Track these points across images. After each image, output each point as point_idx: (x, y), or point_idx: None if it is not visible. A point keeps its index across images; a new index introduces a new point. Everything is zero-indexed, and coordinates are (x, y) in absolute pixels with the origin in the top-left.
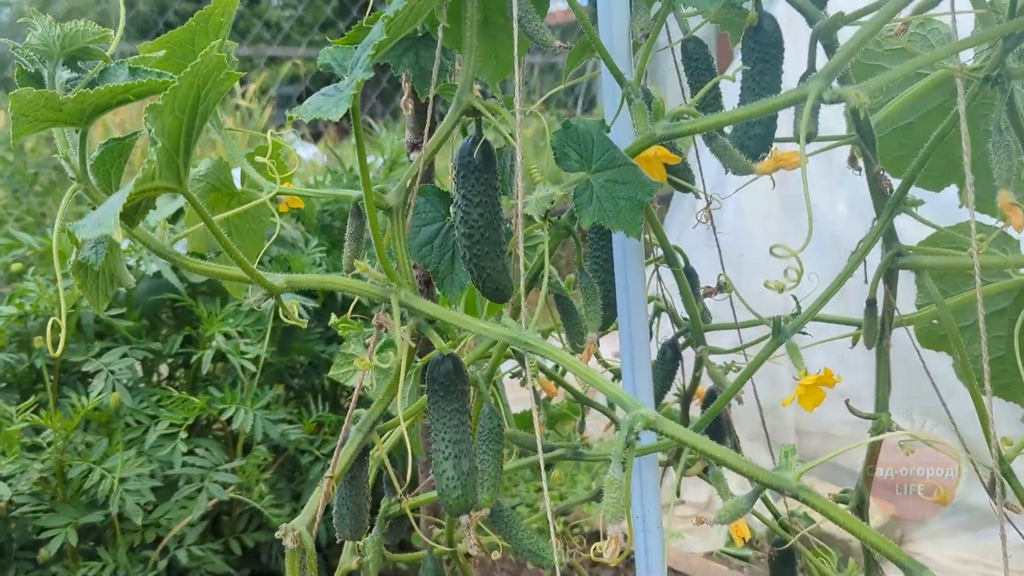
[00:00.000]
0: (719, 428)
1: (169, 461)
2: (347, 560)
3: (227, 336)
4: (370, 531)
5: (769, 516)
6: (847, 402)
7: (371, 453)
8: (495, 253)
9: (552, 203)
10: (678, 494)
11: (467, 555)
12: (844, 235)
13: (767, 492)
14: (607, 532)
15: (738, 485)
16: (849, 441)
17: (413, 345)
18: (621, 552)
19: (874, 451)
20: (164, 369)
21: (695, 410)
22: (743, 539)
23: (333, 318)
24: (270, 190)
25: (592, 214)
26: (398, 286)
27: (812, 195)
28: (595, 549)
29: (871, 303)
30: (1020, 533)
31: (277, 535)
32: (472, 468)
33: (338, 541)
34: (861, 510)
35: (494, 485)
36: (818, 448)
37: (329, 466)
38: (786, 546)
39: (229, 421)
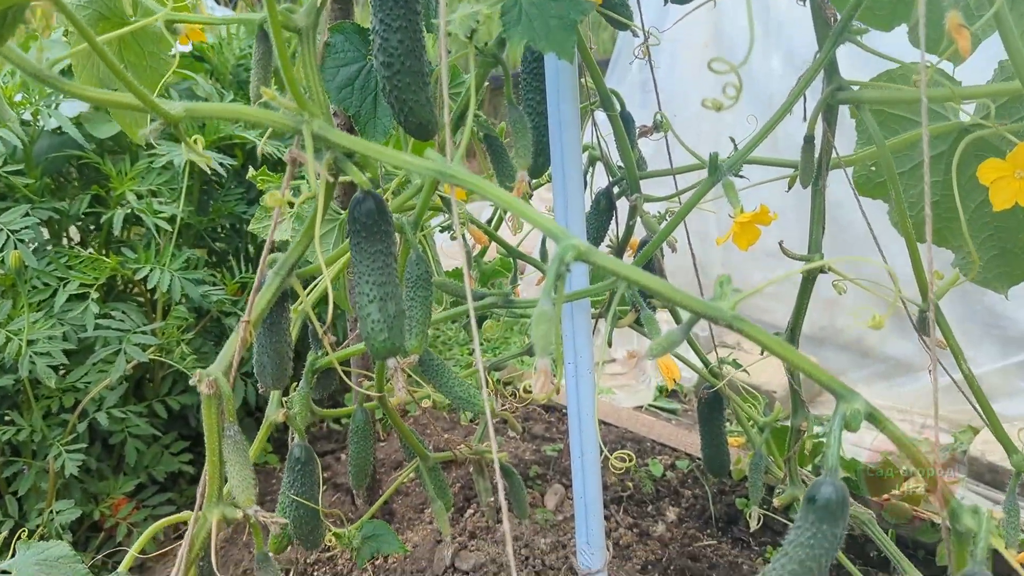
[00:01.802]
0: (651, 268)
1: (82, 324)
2: (272, 413)
3: (139, 196)
4: (296, 384)
5: (699, 365)
6: (780, 243)
7: (294, 307)
8: (418, 85)
9: (478, 22)
10: (609, 344)
11: (403, 412)
12: (778, 92)
13: (697, 344)
14: (536, 367)
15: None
16: (778, 300)
17: (331, 179)
18: (550, 388)
19: (805, 292)
20: (75, 235)
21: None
22: (673, 380)
23: (251, 171)
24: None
25: (520, 33)
26: (311, 116)
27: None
28: (524, 387)
29: (809, 139)
30: (949, 375)
31: (192, 382)
32: (399, 312)
33: (260, 392)
34: (793, 340)
35: (423, 332)
36: (746, 305)
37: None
38: (714, 390)
39: (146, 283)
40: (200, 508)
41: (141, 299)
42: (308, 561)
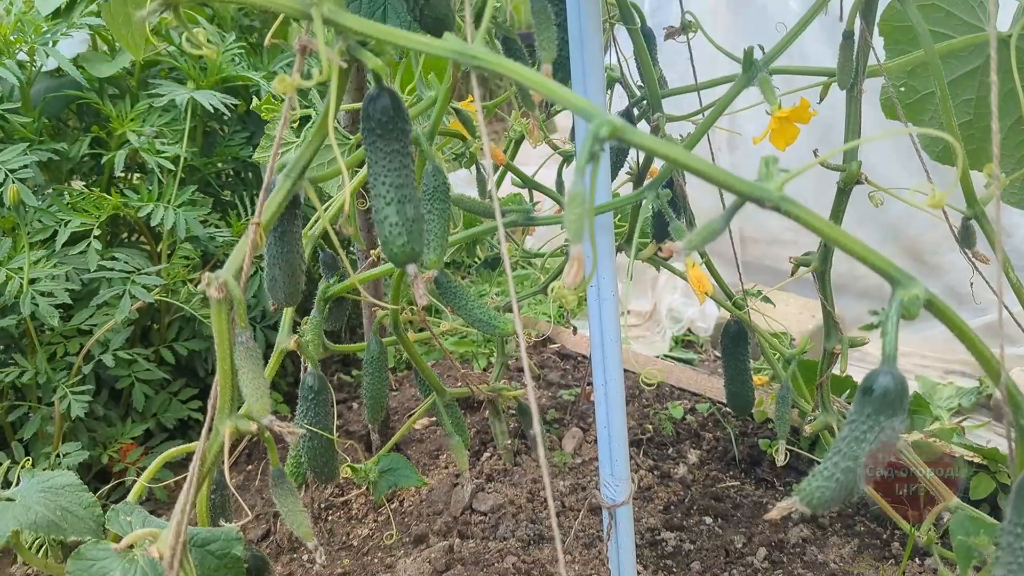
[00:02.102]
0: (675, 202)
1: (85, 267)
2: (284, 340)
3: (141, 136)
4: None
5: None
6: (815, 151)
7: (305, 231)
8: None
9: None
10: (630, 278)
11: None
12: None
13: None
14: (568, 253)
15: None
16: (796, 247)
17: (343, 65)
18: (582, 281)
19: (840, 205)
20: (77, 184)
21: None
22: (705, 294)
23: (255, 101)
24: None
25: None
26: None
27: None
28: (559, 285)
29: (848, 35)
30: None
31: (200, 287)
32: (417, 215)
33: (272, 309)
34: (827, 259)
35: (441, 246)
36: (763, 254)
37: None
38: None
39: (150, 222)
40: (211, 421)
41: (146, 245)
42: (322, 506)
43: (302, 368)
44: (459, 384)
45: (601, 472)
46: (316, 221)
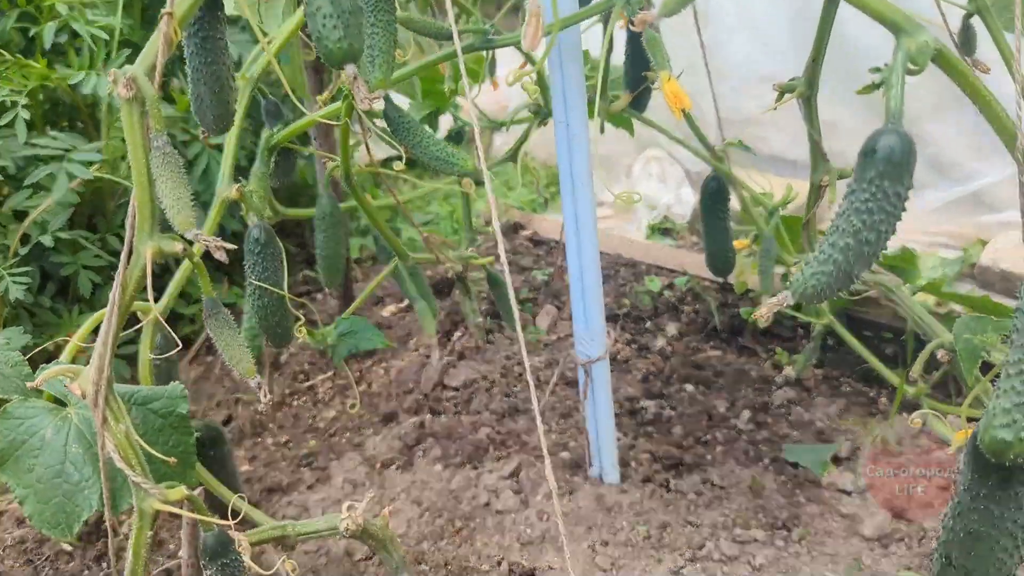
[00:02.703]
0: None
1: (13, 135)
2: (225, 189)
3: (71, 7)
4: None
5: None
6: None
7: (243, 74)
8: None
9: None
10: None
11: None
12: None
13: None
14: (527, 9)
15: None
16: (775, 128)
17: None
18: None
19: (827, 22)
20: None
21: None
22: (682, 110)
23: None
24: None
25: None
26: None
27: None
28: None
29: None
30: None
31: (107, 87)
32: (355, 7)
33: (202, 137)
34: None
35: (387, 63)
36: (737, 135)
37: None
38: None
39: (81, 91)
40: (131, 244)
41: (84, 130)
42: (286, 391)
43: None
44: (423, 235)
45: (575, 328)
46: (256, 58)
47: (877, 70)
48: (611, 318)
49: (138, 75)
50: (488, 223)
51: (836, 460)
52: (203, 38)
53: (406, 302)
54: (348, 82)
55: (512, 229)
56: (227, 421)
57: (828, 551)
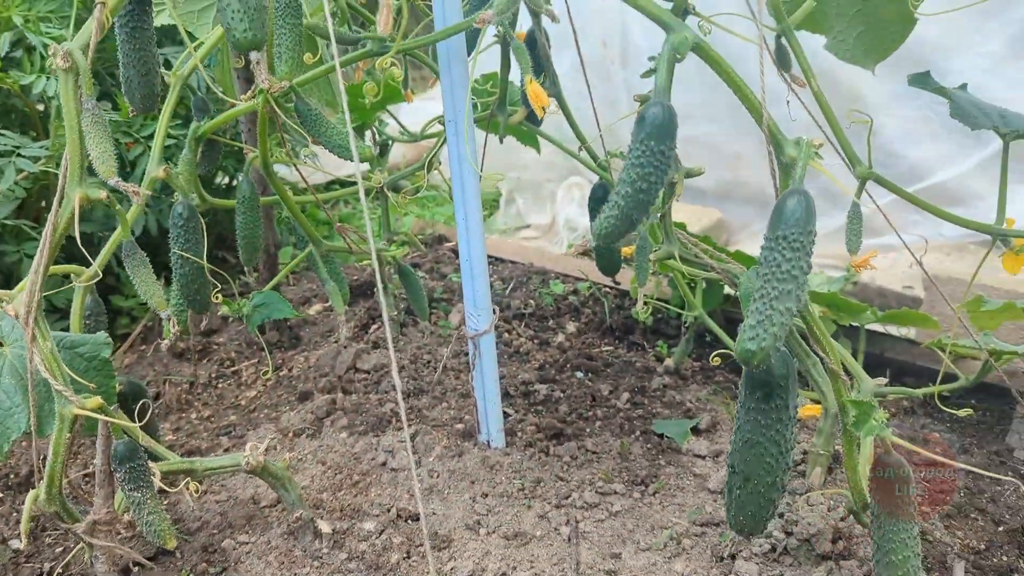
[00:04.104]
0: (538, 61)
1: None
2: (153, 168)
3: (27, 20)
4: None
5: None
6: None
7: (173, 71)
8: None
9: None
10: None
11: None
12: None
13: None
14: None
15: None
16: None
17: None
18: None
19: None
20: None
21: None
22: (543, 108)
23: None
24: None
25: None
26: None
27: None
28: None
29: None
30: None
31: (49, 62)
32: (259, 5)
33: (131, 114)
34: None
35: (293, 59)
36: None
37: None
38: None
39: (30, 93)
40: (62, 191)
41: (34, 133)
42: (212, 375)
43: None
44: (337, 225)
45: (465, 307)
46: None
47: (652, 59)
48: (517, 316)
49: (74, 50)
50: (418, 235)
51: (696, 432)
52: (132, 28)
53: (330, 302)
54: (253, 67)
55: (436, 240)
56: (156, 398)
57: (678, 502)
